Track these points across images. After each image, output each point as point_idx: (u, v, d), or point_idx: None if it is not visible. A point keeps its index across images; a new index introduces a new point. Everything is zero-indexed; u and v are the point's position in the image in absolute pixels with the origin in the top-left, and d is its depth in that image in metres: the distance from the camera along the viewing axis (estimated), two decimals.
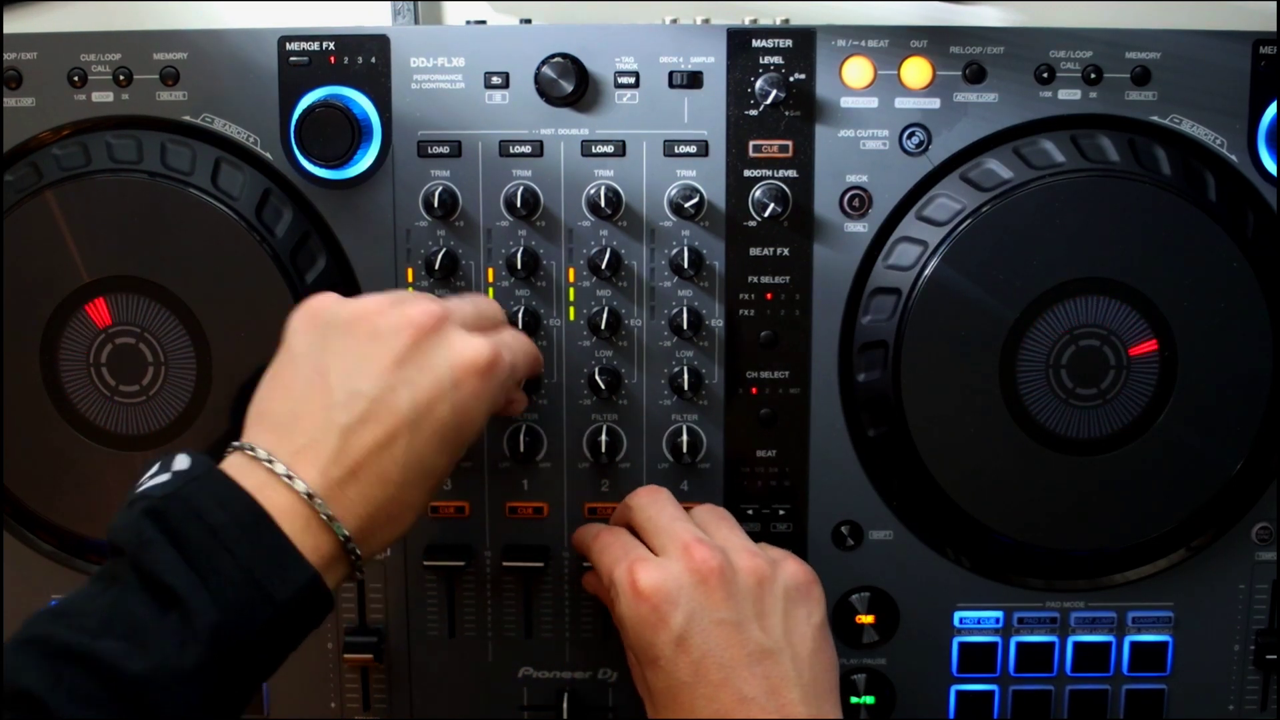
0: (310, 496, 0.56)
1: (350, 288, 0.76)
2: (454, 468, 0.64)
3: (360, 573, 0.60)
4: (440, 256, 0.74)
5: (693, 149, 0.75)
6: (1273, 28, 0.74)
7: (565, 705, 0.78)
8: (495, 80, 0.74)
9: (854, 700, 0.78)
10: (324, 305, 0.62)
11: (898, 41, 0.74)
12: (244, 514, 0.55)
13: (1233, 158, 0.74)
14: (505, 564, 0.77)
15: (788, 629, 0.64)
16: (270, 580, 0.54)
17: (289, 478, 0.56)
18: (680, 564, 0.64)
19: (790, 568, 0.66)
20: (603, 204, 0.74)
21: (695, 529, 0.67)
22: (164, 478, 0.56)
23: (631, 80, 0.74)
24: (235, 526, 0.54)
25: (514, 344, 0.67)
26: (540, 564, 0.77)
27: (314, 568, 0.56)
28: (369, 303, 0.62)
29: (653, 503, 0.70)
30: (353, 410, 0.58)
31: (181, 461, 0.57)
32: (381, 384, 0.59)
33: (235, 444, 0.59)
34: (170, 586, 0.52)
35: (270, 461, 0.57)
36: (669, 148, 0.75)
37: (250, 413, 0.61)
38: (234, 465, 0.57)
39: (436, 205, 0.74)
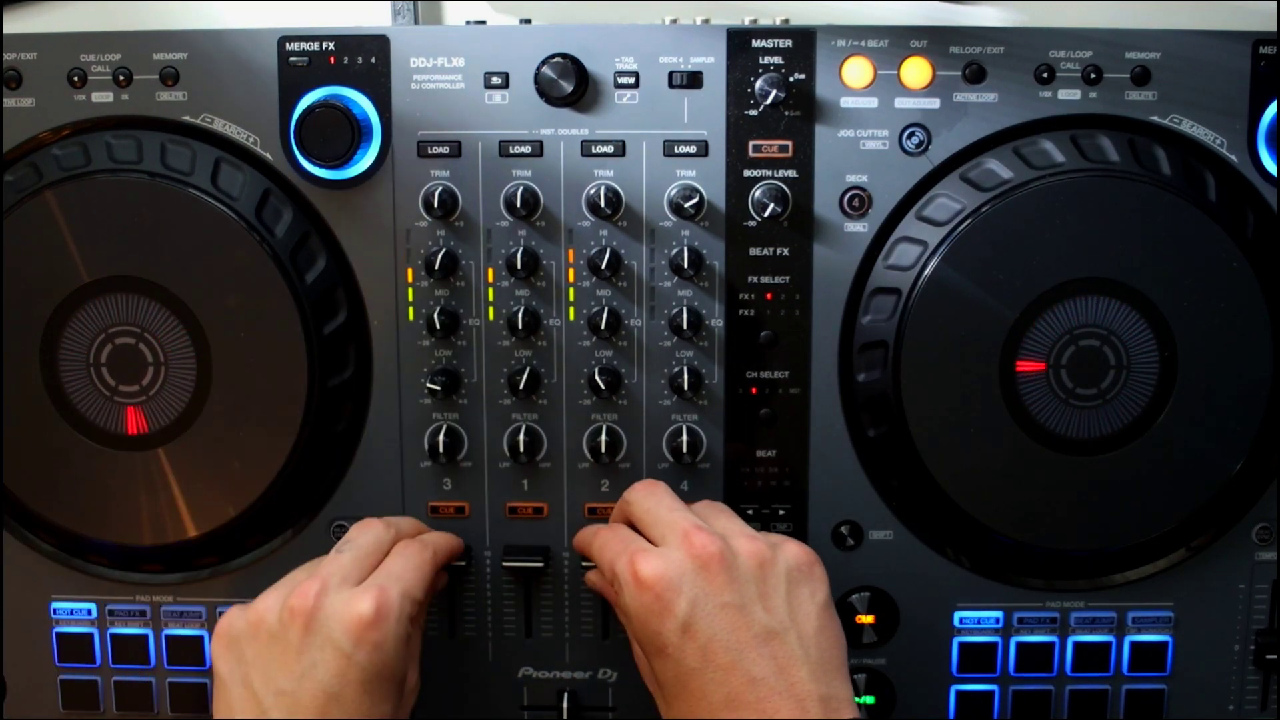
0: None
1: (350, 288, 0.76)
2: (409, 700, 0.68)
3: None
4: (440, 256, 0.74)
5: (693, 149, 0.75)
6: (1273, 28, 0.74)
7: (565, 705, 0.78)
8: (495, 80, 0.74)
9: (854, 700, 0.78)
10: (230, 624, 0.67)
11: (898, 41, 0.74)
12: None
13: (1233, 158, 0.74)
14: (505, 564, 0.77)
15: (792, 608, 0.64)
16: None
17: None
18: (681, 552, 0.64)
19: (790, 549, 0.66)
20: (603, 204, 0.74)
21: (694, 517, 0.67)
22: None
23: (631, 80, 0.74)
24: None
25: (400, 568, 0.68)
26: (540, 564, 0.77)
27: None
28: (260, 605, 0.66)
29: (650, 495, 0.70)
30: (281, 707, 0.63)
31: None
32: (294, 676, 0.63)
33: None
34: None
35: None
36: (669, 148, 0.75)
37: None
38: None
39: (436, 205, 0.74)
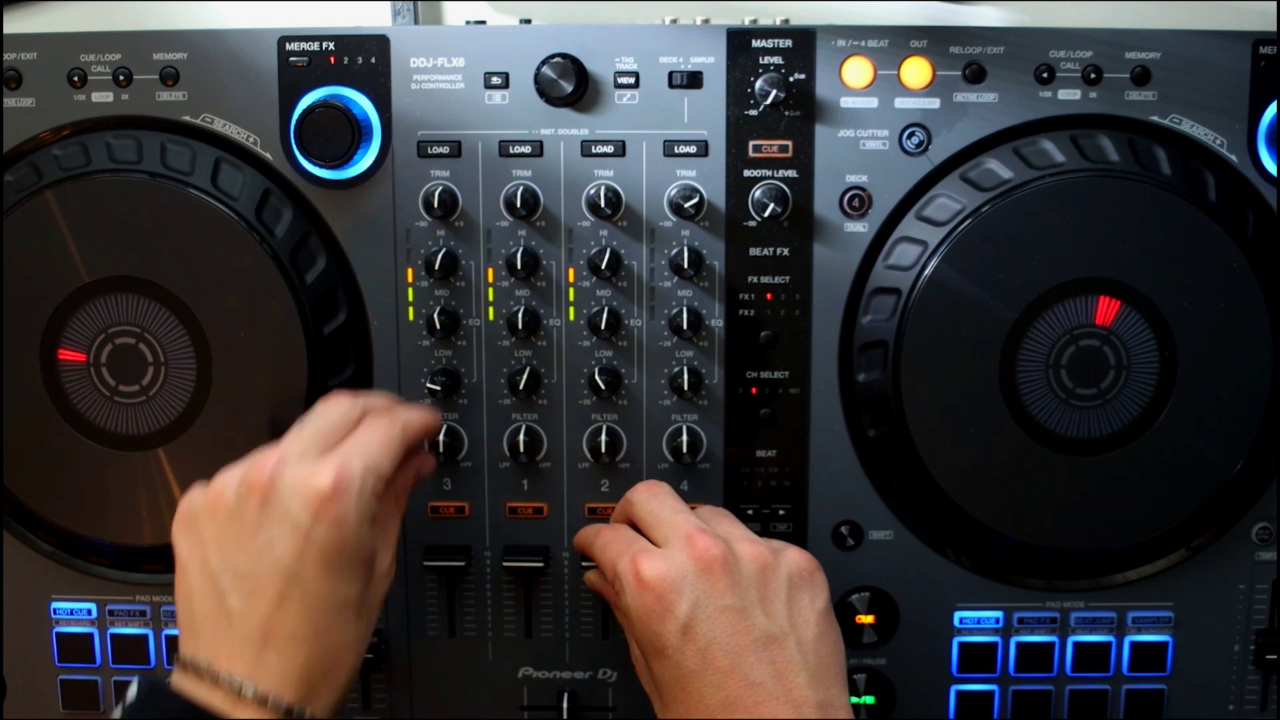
0: (236, 687, 0.58)
1: (350, 288, 0.76)
2: (381, 586, 0.65)
3: None
4: (440, 256, 0.74)
5: (693, 149, 0.75)
6: (1273, 28, 0.74)
7: (565, 705, 0.78)
8: (495, 80, 0.74)
9: (854, 700, 0.78)
10: (189, 503, 0.63)
11: (898, 41, 0.74)
12: (183, 715, 0.58)
13: (1233, 158, 0.74)
14: (505, 564, 0.77)
15: (792, 614, 0.64)
16: None
17: (213, 675, 0.59)
18: (683, 553, 0.64)
19: (792, 555, 0.66)
20: (603, 204, 0.74)
21: (697, 520, 0.67)
22: (117, 713, 0.60)
23: (631, 80, 0.74)
24: None
25: (366, 441, 0.64)
26: (540, 564, 0.77)
27: None
28: (219, 482, 0.63)
29: (653, 496, 0.70)
30: (240, 590, 0.60)
31: (131, 691, 0.60)
32: (251, 554, 0.60)
33: (176, 659, 0.62)
34: None
35: (195, 665, 0.59)
36: (669, 148, 0.75)
37: (177, 624, 0.63)
38: (175, 677, 0.60)
39: (436, 205, 0.74)
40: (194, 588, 0.61)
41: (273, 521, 0.60)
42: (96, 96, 0.75)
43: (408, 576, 0.78)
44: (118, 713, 0.60)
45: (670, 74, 0.74)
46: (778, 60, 0.74)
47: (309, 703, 0.60)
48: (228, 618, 0.60)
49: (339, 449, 0.63)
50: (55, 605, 0.79)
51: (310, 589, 0.60)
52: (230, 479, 0.62)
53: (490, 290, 0.76)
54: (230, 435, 0.74)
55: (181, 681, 0.60)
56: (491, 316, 0.76)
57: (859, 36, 0.74)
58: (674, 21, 0.76)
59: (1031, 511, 0.74)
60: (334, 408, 0.66)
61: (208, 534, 0.62)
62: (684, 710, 0.62)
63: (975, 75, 0.74)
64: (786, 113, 0.74)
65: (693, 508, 0.71)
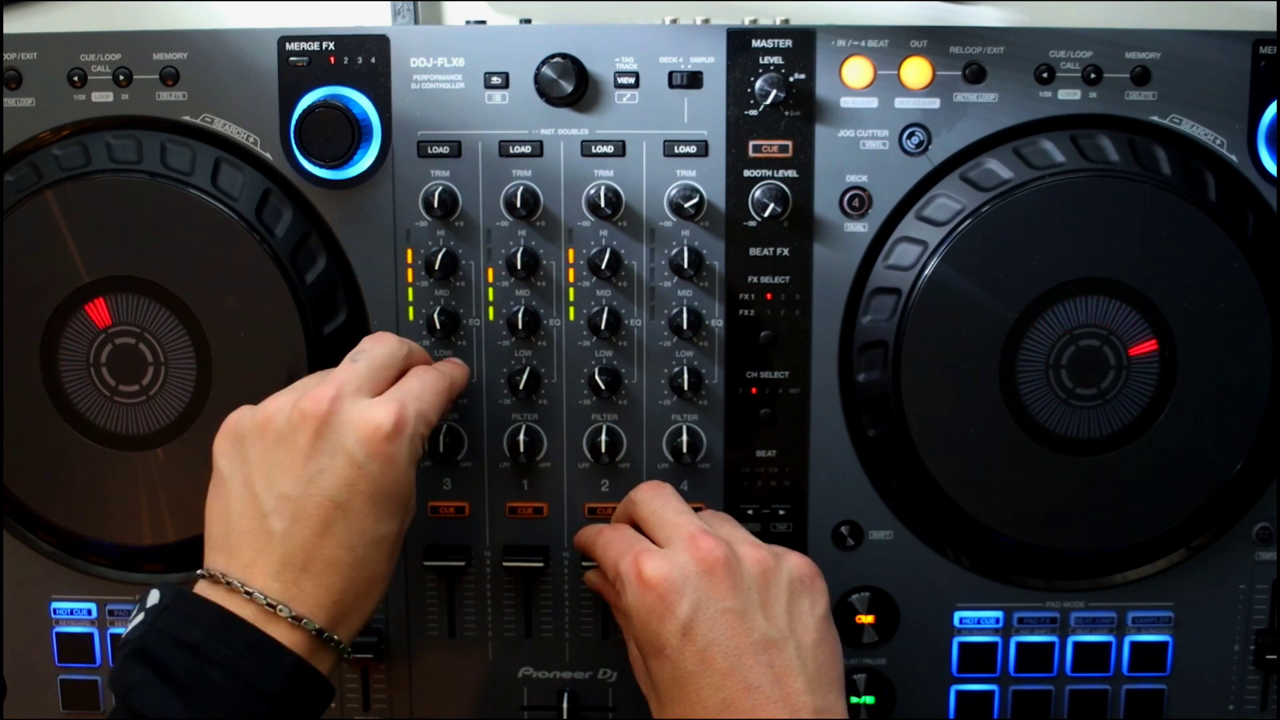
0: (272, 605, 0.59)
1: (350, 288, 0.76)
2: (406, 525, 0.66)
3: (348, 655, 0.63)
4: (440, 256, 0.74)
5: (693, 149, 0.75)
6: (1273, 28, 0.74)
7: (565, 705, 0.78)
8: (495, 80, 0.74)
9: (854, 700, 0.78)
10: (236, 421, 0.64)
11: (898, 41, 0.74)
12: (216, 624, 0.58)
13: (1233, 158, 0.74)
14: (505, 564, 0.77)
15: (792, 619, 0.64)
16: (257, 676, 0.58)
17: (247, 592, 0.60)
18: (686, 554, 0.64)
19: (793, 560, 0.67)
20: (603, 204, 0.74)
21: (700, 521, 0.67)
22: (140, 617, 0.60)
23: (631, 80, 0.74)
24: (212, 638, 0.58)
25: (419, 388, 0.66)
26: (540, 564, 0.77)
27: (296, 653, 0.59)
28: (270, 406, 0.64)
29: (656, 496, 0.70)
30: (284, 513, 0.61)
31: (153, 597, 0.61)
32: (300, 481, 0.61)
33: (198, 571, 0.62)
34: None
35: (228, 581, 0.60)
36: (669, 148, 0.75)
37: (205, 539, 0.63)
38: (201, 588, 0.61)
39: (436, 205, 0.74)
40: (233, 506, 0.62)
41: (326, 452, 0.61)
42: (96, 96, 0.75)
43: (408, 576, 0.78)
44: (139, 616, 0.60)
45: (670, 74, 0.74)
46: (778, 60, 0.74)
47: (337, 628, 0.61)
48: (268, 538, 0.61)
49: (396, 391, 0.65)
50: (55, 605, 0.79)
51: (355, 522, 0.61)
52: (283, 404, 0.63)
53: (490, 290, 0.76)
54: None
55: (209, 593, 0.60)
56: (491, 316, 0.76)
57: (859, 36, 0.74)
58: (674, 21, 0.76)
59: (1031, 511, 0.75)
60: (383, 344, 0.68)
61: (254, 454, 0.62)
62: (681, 711, 0.62)
63: (975, 75, 0.74)
64: (786, 113, 0.74)
65: (695, 509, 0.71)
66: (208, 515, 0.64)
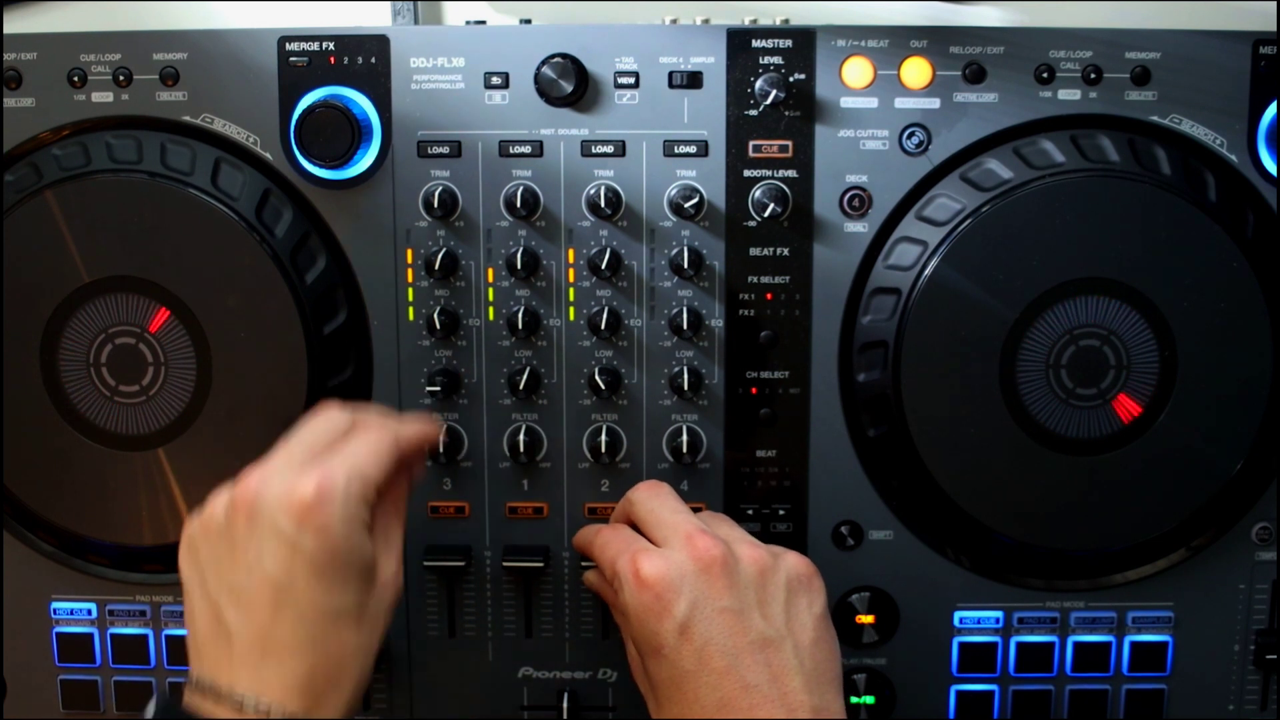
0: (240, 700, 0.59)
1: (350, 288, 0.76)
2: (380, 591, 0.63)
3: None
4: (440, 256, 0.74)
5: (693, 149, 0.75)
6: (1273, 28, 0.74)
7: (565, 705, 0.78)
8: (495, 80, 0.74)
9: (854, 700, 0.78)
10: (189, 528, 0.64)
11: (898, 41, 0.74)
12: None
13: (1233, 158, 0.74)
14: (505, 564, 0.77)
15: (789, 618, 0.64)
16: None
17: (217, 692, 0.59)
18: (683, 553, 0.64)
19: (791, 559, 0.67)
20: (603, 204, 0.74)
21: (697, 521, 0.67)
22: None
23: (631, 80, 0.74)
24: None
25: (354, 448, 0.63)
26: (540, 564, 0.77)
27: None
28: (211, 505, 0.63)
29: (654, 496, 0.70)
30: (235, 605, 0.60)
31: (148, 711, 0.61)
32: (242, 569, 0.60)
33: (188, 680, 0.62)
34: None
35: (201, 685, 0.60)
36: (669, 148, 0.75)
37: (188, 649, 0.64)
38: (189, 699, 0.61)
39: (436, 205, 0.74)
40: (195, 609, 0.62)
41: (260, 536, 0.60)
42: (96, 96, 0.75)
43: (408, 576, 0.78)
44: None
45: (670, 74, 0.74)
46: (778, 60, 0.74)
47: (314, 711, 0.60)
48: (226, 634, 0.60)
49: (322, 458, 0.62)
50: (55, 605, 0.79)
51: (303, 599, 0.60)
52: (220, 500, 0.63)
53: (490, 290, 0.76)
54: (230, 435, 0.74)
55: (193, 701, 0.60)
56: (491, 316, 0.76)
57: (859, 36, 0.74)
58: (674, 21, 0.76)
59: (1031, 511, 0.75)
60: (323, 420, 0.66)
61: (204, 556, 0.62)
62: (679, 710, 0.62)
63: (975, 75, 0.74)
64: (786, 113, 0.74)
65: (694, 509, 0.72)
66: (187, 627, 0.64)
